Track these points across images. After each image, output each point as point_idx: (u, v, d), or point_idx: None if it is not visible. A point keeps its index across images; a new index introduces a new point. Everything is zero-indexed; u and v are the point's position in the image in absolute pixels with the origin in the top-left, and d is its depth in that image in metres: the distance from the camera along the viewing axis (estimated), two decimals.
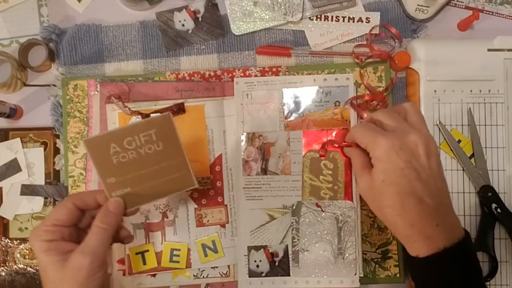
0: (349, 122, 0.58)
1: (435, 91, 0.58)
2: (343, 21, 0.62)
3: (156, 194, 0.50)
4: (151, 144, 0.48)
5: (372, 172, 0.47)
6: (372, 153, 0.47)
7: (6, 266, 0.61)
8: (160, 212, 0.58)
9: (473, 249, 0.47)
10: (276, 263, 0.57)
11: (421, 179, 0.44)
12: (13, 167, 0.61)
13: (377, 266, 0.59)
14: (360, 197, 0.57)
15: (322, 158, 0.57)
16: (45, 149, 0.61)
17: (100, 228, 0.46)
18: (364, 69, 0.60)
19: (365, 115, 0.57)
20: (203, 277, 0.58)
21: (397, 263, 0.59)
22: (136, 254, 0.58)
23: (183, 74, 0.60)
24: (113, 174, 0.48)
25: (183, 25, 0.62)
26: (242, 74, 0.60)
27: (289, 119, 0.59)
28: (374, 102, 0.58)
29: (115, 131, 0.48)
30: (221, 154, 0.59)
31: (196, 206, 0.59)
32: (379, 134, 0.46)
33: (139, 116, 0.58)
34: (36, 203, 0.61)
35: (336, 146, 0.57)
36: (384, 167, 0.45)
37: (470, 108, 0.58)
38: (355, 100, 0.58)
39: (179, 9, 0.62)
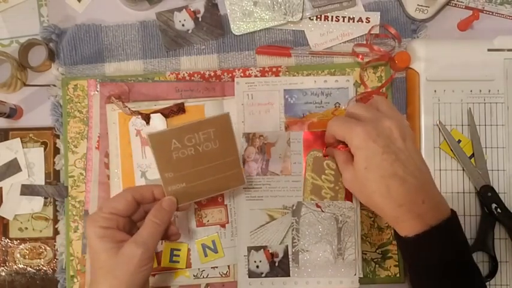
0: None
1: (435, 91, 0.58)
2: (343, 21, 0.62)
3: (208, 190, 0.52)
4: (209, 142, 0.49)
5: (354, 163, 0.48)
6: (351, 143, 0.48)
7: (6, 266, 0.61)
8: None
9: (460, 227, 0.48)
10: (276, 264, 0.57)
11: (400, 160, 0.46)
12: (13, 167, 0.61)
13: (377, 266, 0.59)
14: None
15: (325, 157, 0.57)
16: (45, 149, 0.61)
17: (153, 223, 0.48)
18: (364, 69, 0.60)
19: None
20: (203, 277, 0.58)
21: (397, 263, 0.59)
22: None
23: (183, 74, 0.60)
24: (171, 169, 0.49)
25: (183, 25, 0.62)
26: (242, 74, 0.60)
27: (289, 120, 0.59)
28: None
29: (178, 127, 0.49)
30: None
31: (196, 206, 0.59)
32: (354, 124, 0.48)
33: (139, 116, 0.58)
34: (36, 203, 0.61)
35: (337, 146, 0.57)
36: (364, 155, 0.47)
37: (470, 108, 0.58)
38: (355, 98, 0.58)
39: (179, 9, 0.62)
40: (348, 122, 0.49)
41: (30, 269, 0.60)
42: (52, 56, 0.62)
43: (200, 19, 0.62)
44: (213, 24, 0.62)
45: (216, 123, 0.49)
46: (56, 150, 0.61)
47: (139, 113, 0.58)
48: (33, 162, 0.61)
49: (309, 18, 0.62)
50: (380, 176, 0.46)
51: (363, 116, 0.49)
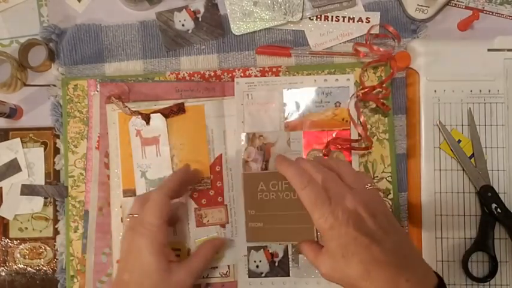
0: (349, 122, 0.58)
1: (435, 91, 0.58)
2: (343, 21, 0.62)
3: (280, 237, 0.55)
4: (289, 192, 0.53)
5: (328, 252, 0.45)
6: (318, 225, 0.45)
7: (6, 266, 0.61)
8: None
9: None
10: (276, 264, 0.57)
11: (376, 241, 0.43)
12: (13, 167, 0.61)
13: None
14: None
15: (326, 157, 0.57)
16: (45, 149, 0.61)
17: (206, 255, 0.53)
18: (365, 69, 0.60)
19: (362, 117, 0.57)
20: (203, 277, 0.58)
21: None
22: None
23: (183, 74, 0.60)
24: (254, 208, 0.55)
25: (183, 25, 0.62)
26: (242, 74, 0.60)
27: (289, 120, 0.59)
28: (377, 90, 0.58)
29: (268, 172, 0.56)
30: (221, 154, 0.59)
31: (196, 206, 0.59)
32: (321, 203, 0.44)
33: (139, 116, 0.58)
34: (36, 203, 0.61)
35: (340, 146, 0.57)
36: (338, 243, 0.44)
37: (470, 108, 0.58)
38: (358, 99, 0.58)
39: (179, 9, 0.62)
40: (315, 196, 0.45)
41: (30, 269, 0.60)
42: (52, 56, 0.62)
43: (200, 19, 0.62)
44: (213, 24, 0.62)
45: None
46: (56, 150, 0.61)
47: (139, 113, 0.58)
48: (33, 162, 0.61)
49: (309, 18, 0.62)
50: (358, 261, 0.43)
51: (327, 187, 0.46)
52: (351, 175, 0.48)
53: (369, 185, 0.47)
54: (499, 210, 0.56)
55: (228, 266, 0.58)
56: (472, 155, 0.58)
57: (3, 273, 0.61)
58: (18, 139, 0.61)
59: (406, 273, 0.43)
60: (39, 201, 0.61)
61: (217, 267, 0.58)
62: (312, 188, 0.46)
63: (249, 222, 0.55)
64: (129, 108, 0.57)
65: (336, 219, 0.43)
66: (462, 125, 0.58)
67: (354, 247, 0.43)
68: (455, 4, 0.63)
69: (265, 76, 0.60)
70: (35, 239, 0.61)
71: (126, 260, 0.49)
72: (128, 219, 0.50)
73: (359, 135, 0.57)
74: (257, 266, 0.57)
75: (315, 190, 0.46)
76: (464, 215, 0.58)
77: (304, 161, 0.50)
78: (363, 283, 0.43)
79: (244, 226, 0.55)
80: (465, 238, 0.57)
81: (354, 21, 0.61)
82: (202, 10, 0.62)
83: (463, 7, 0.63)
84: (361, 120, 0.57)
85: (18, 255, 0.61)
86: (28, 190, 0.61)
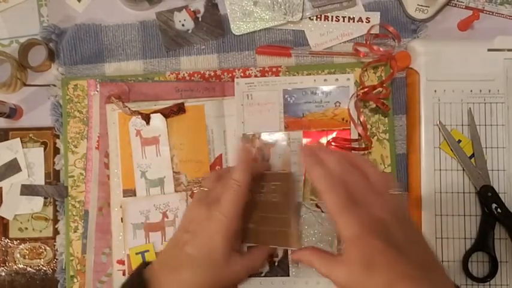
0: (349, 122, 0.58)
1: (435, 91, 0.58)
2: (343, 21, 0.62)
3: (265, 240, 0.53)
4: (275, 194, 0.53)
5: (347, 261, 0.42)
6: (343, 235, 0.42)
7: (6, 266, 0.61)
8: (160, 212, 0.58)
9: None
10: (276, 263, 0.57)
11: (402, 254, 0.41)
12: (13, 167, 0.61)
13: None
14: None
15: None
16: (45, 149, 0.61)
17: (264, 258, 0.54)
18: (365, 69, 0.60)
19: (363, 117, 0.57)
20: None
21: None
22: (136, 254, 0.58)
23: (183, 74, 0.60)
24: (245, 208, 0.52)
25: (183, 25, 0.62)
26: (242, 74, 0.60)
27: (289, 120, 0.59)
28: (377, 90, 0.58)
29: (260, 174, 0.54)
30: (221, 154, 0.59)
31: None
32: (345, 208, 0.42)
33: (139, 116, 0.58)
34: (36, 203, 0.61)
35: (340, 146, 0.57)
36: (362, 253, 0.41)
37: (470, 108, 0.58)
38: (358, 98, 0.58)
39: (179, 9, 0.62)
40: (341, 201, 0.43)
41: (30, 269, 0.60)
42: (52, 56, 0.62)
43: (200, 19, 0.62)
44: (213, 24, 0.62)
45: (282, 179, 0.53)
46: (56, 150, 0.61)
47: (139, 113, 0.58)
48: (33, 162, 0.61)
49: (309, 18, 0.62)
50: (383, 275, 0.40)
51: (353, 191, 0.44)
52: (376, 177, 0.46)
53: (394, 189, 0.45)
54: (499, 210, 0.55)
55: None
56: (472, 155, 0.58)
57: (3, 273, 0.61)
58: (18, 139, 0.61)
59: (430, 286, 0.41)
60: (39, 201, 0.61)
61: None
62: (338, 192, 0.43)
63: (244, 223, 0.53)
64: (129, 108, 0.57)
65: (362, 229, 0.41)
66: (462, 125, 0.58)
67: (379, 259, 0.40)
68: (455, 4, 0.63)
69: (265, 76, 0.60)
70: (35, 239, 0.61)
71: (196, 234, 0.48)
72: (198, 190, 0.51)
73: (359, 135, 0.57)
74: (256, 268, 0.57)
75: (342, 194, 0.43)
76: (464, 215, 0.58)
77: (329, 154, 0.47)
78: None
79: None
80: (465, 238, 0.57)
81: (354, 21, 0.61)
82: (202, 10, 0.62)
83: (463, 7, 0.63)
84: (361, 120, 0.57)
85: (18, 255, 0.61)
86: (28, 190, 0.61)
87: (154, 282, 0.46)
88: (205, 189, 0.51)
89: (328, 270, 0.44)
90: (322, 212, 0.56)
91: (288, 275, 0.57)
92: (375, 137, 0.59)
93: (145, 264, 0.50)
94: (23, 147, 0.61)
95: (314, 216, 0.57)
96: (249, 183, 0.49)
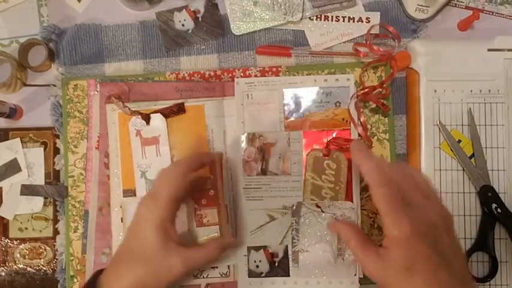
0: (349, 122, 0.58)
1: (435, 91, 0.58)
2: (343, 21, 0.62)
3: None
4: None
5: (388, 256, 0.41)
6: (388, 230, 0.41)
7: (6, 266, 0.61)
8: None
9: None
10: (276, 264, 0.57)
11: (446, 263, 0.40)
12: (13, 167, 0.61)
13: None
14: (360, 197, 0.57)
15: (326, 157, 0.57)
16: (45, 149, 0.61)
17: (212, 253, 0.50)
18: (365, 69, 0.60)
19: (363, 117, 0.57)
20: (203, 277, 0.58)
21: None
22: None
23: (183, 74, 0.60)
24: None
25: (183, 25, 0.62)
26: (242, 74, 0.60)
27: (289, 120, 0.59)
28: (377, 90, 0.58)
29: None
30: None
31: (196, 206, 0.59)
32: (400, 208, 0.41)
33: (139, 116, 0.58)
34: (36, 203, 0.61)
35: (340, 146, 0.57)
36: (406, 254, 0.40)
37: (470, 108, 0.58)
38: (358, 99, 0.58)
39: (179, 9, 0.62)
40: (394, 198, 0.42)
41: (30, 269, 0.60)
42: (52, 56, 0.62)
43: (200, 19, 0.62)
44: (213, 24, 0.62)
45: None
46: (56, 150, 0.61)
47: (139, 113, 0.58)
48: (33, 162, 0.61)
49: (309, 18, 0.62)
50: (424, 281, 0.39)
51: (405, 192, 0.43)
52: (422, 180, 0.45)
53: (436, 196, 0.45)
54: (499, 210, 0.56)
55: (228, 266, 0.58)
56: (472, 155, 0.58)
57: (3, 273, 0.61)
58: (18, 139, 0.61)
59: None
60: (39, 201, 0.61)
61: (217, 267, 0.58)
62: (391, 188, 0.42)
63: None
64: (129, 108, 0.57)
65: (413, 230, 0.40)
66: (462, 125, 0.58)
67: (423, 265, 0.40)
68: (455, 4, 0.63)
69: (265, 76, 0.60)
70: (35, 239, 0.61)
71: (130, 227, 0.49)
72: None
73: (359, 135, 0.57)
74: (257, 266, 0.57)
75: (395, 191, 0.42)
76: (464, 215, 0.58)
77: (377, 157, 0.46)
78: None
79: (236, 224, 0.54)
80: (465, 238, 0.57)
81: (354, 21, 0.61)
82: (202, 10, 0.62)
83: (463, 7, 0.63)
84: (361, 120, 0.57)
85: (18, 255, 0.61)
86: (28, 190, 0.60)
87: (103, 282, 0.46)
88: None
89: (364, 258, 0.43)
90: (323, 212, 0.56)
91: (289, 275, 0.57)
92: (375, 137, 0.59)
93: (99, 272, 0.49)
94: (23, 147, 0.61)
95: (314, 216, 0.57)
96: (185, 176, 0.49)
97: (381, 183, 0.42)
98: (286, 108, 0.59)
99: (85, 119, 0.60)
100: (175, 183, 0.48)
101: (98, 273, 0.48)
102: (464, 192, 0.58)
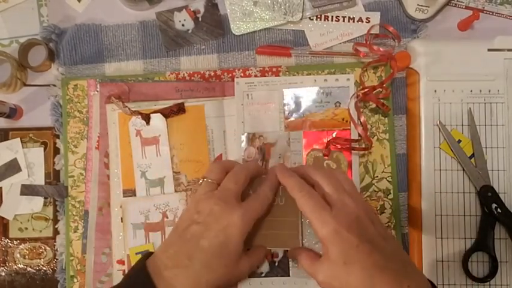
0: (350, 122, 0.58)
1: (435, 91, 0.58)
2: (343, 21, 0.62)
3: (267, 242, 0.53)
4: (277, 196, 0.52)
5: (327, 258, 0.44)
6: (319, 232, 0.44)
7: (6, 266, 0.61)
8: (160, 212, 0.58)
9: None
10: (276, 264, 0.57)
11: (377, 248, 0.43)
12: (13, 167, 0.61)
13: None
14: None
15: (326, 157, 0.57)
16: (45, 149, 0.61)
17: (262, 260, 0.53)
18: (365, 69, 0.60)
19: (363, 117, 0.57)
20: None
21: None
22: (136, 254, 0.58)
23: (183, 74, 0.60)
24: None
25: (183, 25, 0.62)
26: (242, 74, 0.60)
27: (289, 120, 0.59)
28: (377, 90, 0.58)
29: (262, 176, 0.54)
30: (221, 154, 0.59)
31: None
32: (322, 209, 0.45)
33: (139, 116, 0.58)
34: (36, 203, 0.61)
35: (340, 147, 0.57)
36: (339, 248, 0.43)
37: (470, 108, 0.58)
38: (359, 99, 0.58)
39: (179, 9, 0.62)
40: (315, 203, 0.45)
41: (30, 269, 0.60)
42: (52, 56, 0.62)
43: (200, 19, 0.62)
44: (213, 24, 0.62)
45: None
46: (56, 150, 0.61)
47: (139, 113, 0.58)
48: (33, 162, 0.61)
49: (309, 18, 0.62)
50: (361, 268, 0.42)
51: (328, 194, 0.46)
52: (343, 178, 0.49)
53: (353, 192, 0.48)
54: (499, 210, 0.56)
55: None
56: (472, 155, 0.58)
57: (3, 273, 0.61)
58: (18, 139, 0.61)
59: (406, 280, 0.43)
60: (39, 201, 0.61)
61: None
62: (311, 195, 0.46)
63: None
64: (129, 108, 0.57)
65: (338, 225, 0.43)
66: (462, 125, 0.58)
67: (356, 254, 0.43)
68: (455, 4, 0.63)
69: (265, 76, 0.60)
70: (35, 239, 0.61)
71: (208, 227, 0.46)
72: (204, 181, 0.50)
73: (359, 135, 0.57)
74: (257, 266, 0.57)
75: (314, 197, 0.46)
76: (464, 215, 0.58)
77: (302, 167, 0.51)
78: None
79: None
80: (465, 238, 0.57)
81: (354, 21, 0.61)
82: (202, 10, 0.62)
83: (463, 7, 0.63)
84: (362, 120, 0.57)
85: (18, 255, 0.61)
86: (28, 190, 0.61)
87: (158, 275, 0.45)
88: (212, 181, 0.50)
89: (311, 269, 0.46)
90: None
91: (289, 275, 0.57)
92: (375, 137, 0.59)
93: (148, 255, 0.48)
94: (23, 147, 0.61)
95: None
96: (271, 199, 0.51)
97: (301, 194, 0.46)
98: (286, 108, 0.59)
99: (85, 119, 0.60)
100: (264, 210, 0.50)
101: (146, 257, 0.48)
102: (464, 192, 0.58)
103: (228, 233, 0.46)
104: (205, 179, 0.50)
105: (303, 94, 0.59)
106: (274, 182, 0.51)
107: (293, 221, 0.52)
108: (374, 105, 0.59)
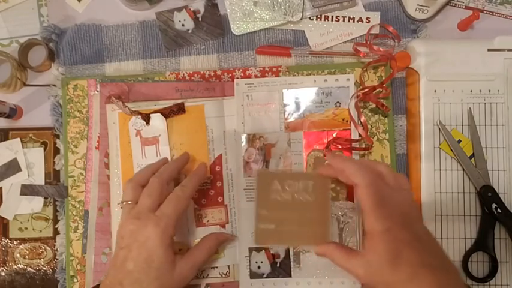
0: (350, 122, 0.58)
1: (435, 91, 0.58)
2: (343, 21, 0.62)
3: (291, 239, 0.52)
4: (306, 193, 0.51)
5: (371, 254, 0.44)
6: (372, 228, 0.44)
7: (6, 266, 0.61)
8: None
9: None
10: (278, 264, 0.57)
11: (424, 245, 0.44)
12: (13, 167, 0.61)
13: None
14: None
15: (326, 157, 0.57)
16: (45, 149, 0.61)
17: (211, 249, 0.53)
18: (365, 69, 0.60)
19: (363, 117, 0.57)
20: (203, 277, 0.58)
21: None
22: None
23: (183, 74, 0.60)
24: (266, 208, 0.51)
25: (183, 25, 0.62)
26: (242, 74, 0.60)
27: (289, 120, 0.59)
28: (377, 90, 0.58)
29: (284, 171, 0.55)
30: (221, 154, 0.59)
31: (196, 206, 0.59)
32: (383, 208, 0.44)
33: (139, 116, 0.58)
34: (36, 203, 0.61)
35: (340, 147, 0.57)
36: (390, 246, 0.43)
37: (470, 108, 0.58)
38: (359, 99, 0.58)
39: (179, 9, 0.62)
40: (378, 194, 0.44)
41: (30, 269, 0.60)
42: (52, 56, 0.62)
43: (200, 19, 0.62)
44: (213, 24, 0.62)
45: (317, 178, 0.51)
46: (56, 150, 0.61)
47: (139, 113, 0.58)
48: (33, 162, 0.61)
49: (309, 18, 0.62)
50: (409, 265, 0.42)
51: (377, 189, 0.45)
52: (391, 176, 0.47)
53: (406, 187, 0.47)
54: (499, 210, 0.56)
55: (228, 266, 0.58)
56: (472, 155, 0.58)
57: (3, 273, 0.60)
58: (18, 139, 0.61)
59: (446, 276, 0.43)
60: (39, 201, 0.61)
61: (217, 267, 0.58)
62: (375, 187, 0.45)
63: (259, 223, 0.51)
64: (129, 108, 0.57)
65: (393, 223, 0.43)
66: (462, 125, 0.58)
67: (407, 250, 0.43)
68: (455, 4, 0.63)
69: (265, 76, 0.60)
70: (35, 239, 0.61)
71: (130, 249, 0.47)
72: (123, 206, 0.50)
73: (359, 135, 0.57)
74: (259, 267, 0.57)
75: (377, 190, 0.44)
76: (464, 215, 0.58)
77: (348, 159, 0.50)
78: (409, 286, 0.42)
79: (254, 227, 0.51)
80: (465, 238, 0.57)
81: (354, 21, 0.61)
82: (202, 10, 0.62)
83: (463, 7, 0.63)
84: (362, 120, 0.57)
85: (18, 255, 0.61)
86: (28, 190, 0.60)
87: None
88: (129, 202, 0.50)
89: (350, 265, 0.45)
90: None
91: (290, 276, 0.57)
92: (375, 137, 0.59)
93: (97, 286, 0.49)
94: (23, 147, 0.61)
95: None
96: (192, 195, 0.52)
97: (367, 182, 0.45)
98: (286, 108, 0.59)
99: (85, 119, 0.60)
100: (185, 204, 0.51)
101: None
102: (464, 192, 0.58)
103: (149, 247, 0.46)
104: (123, 203, 0.51)
105: (303, 94, 0.59)
106: (198, 177, 0.53)
107: (323, 217, 0.51)
108: (374, 105, 0.59)
